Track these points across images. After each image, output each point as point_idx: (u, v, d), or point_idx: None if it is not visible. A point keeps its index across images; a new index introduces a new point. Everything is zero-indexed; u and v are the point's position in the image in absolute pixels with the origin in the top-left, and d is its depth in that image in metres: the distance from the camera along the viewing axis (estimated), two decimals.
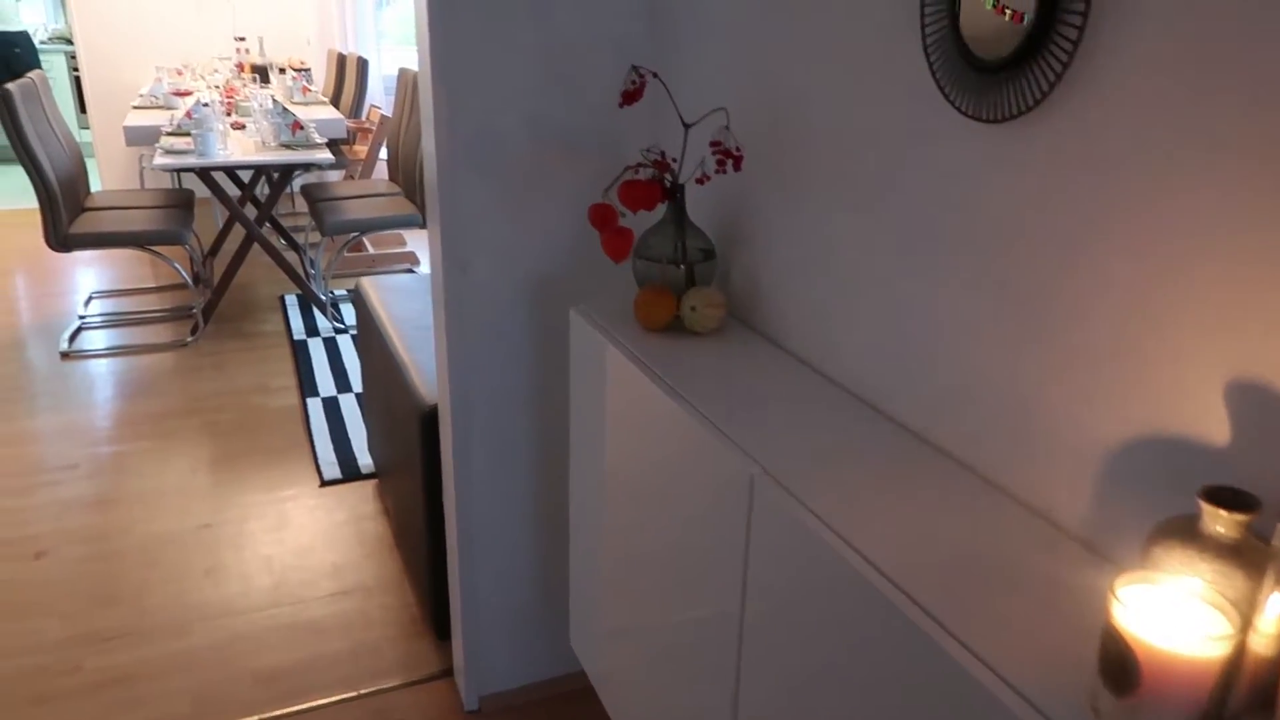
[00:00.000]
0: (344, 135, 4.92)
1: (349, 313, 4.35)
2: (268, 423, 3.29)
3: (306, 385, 3.57)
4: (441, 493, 2.02)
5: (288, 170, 3.98)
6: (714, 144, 1.33)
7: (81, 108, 6.20)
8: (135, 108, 5.05)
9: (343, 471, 2.95)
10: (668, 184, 1.43)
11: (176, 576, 2.43)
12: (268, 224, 4.62)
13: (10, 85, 3.52)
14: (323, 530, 2.65)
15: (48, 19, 8.00)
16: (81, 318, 4.21)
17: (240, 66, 6.19)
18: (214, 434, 3.19)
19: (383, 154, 4.99)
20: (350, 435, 3.19)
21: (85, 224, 3.81)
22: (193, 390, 3.53)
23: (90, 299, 4.48)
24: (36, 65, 7.30)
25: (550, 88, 1.67)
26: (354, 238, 4.14)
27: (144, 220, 3.88)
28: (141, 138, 4.53)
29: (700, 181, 1.39)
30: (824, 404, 1.23)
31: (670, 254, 1.49)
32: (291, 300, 4.51)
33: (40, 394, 3.47)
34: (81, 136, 7.60)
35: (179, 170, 3.75)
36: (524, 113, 1.67)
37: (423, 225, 4.16)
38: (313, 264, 4.87)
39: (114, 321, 4.20)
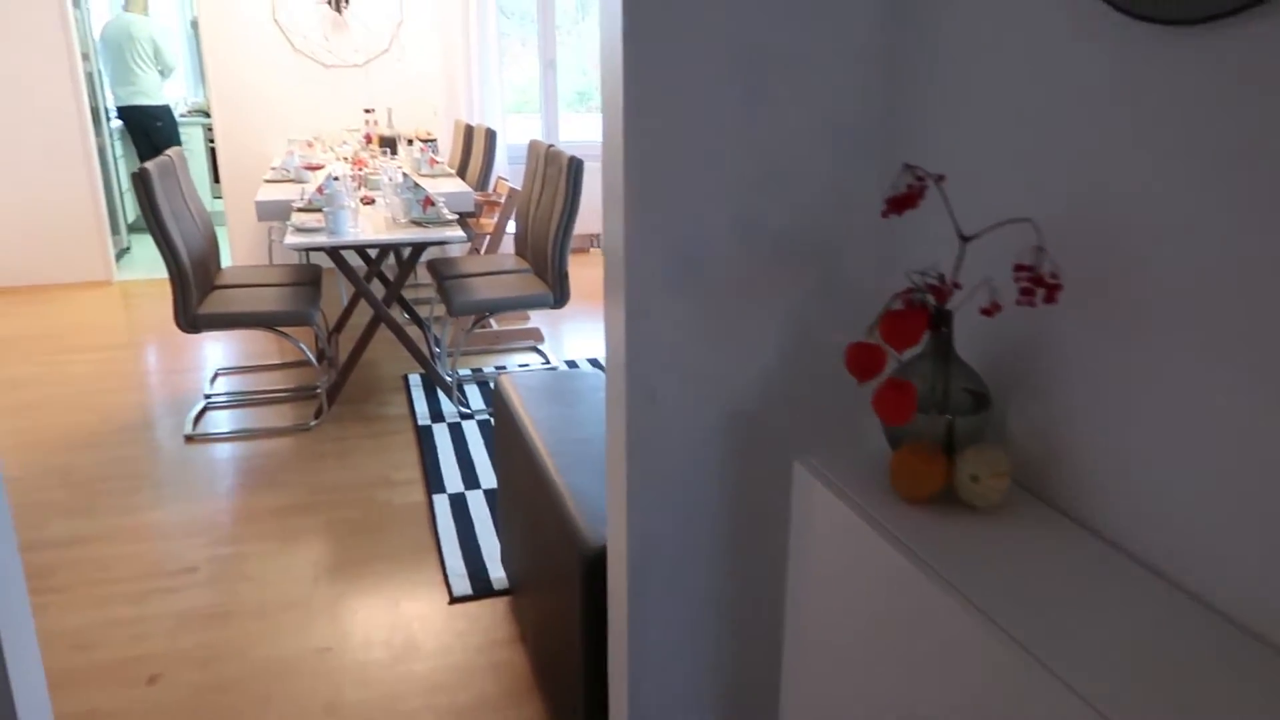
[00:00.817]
0: (472, 209, 4.78)
1: (474, 395, 4.14)
2: (392, 522, 3.05)
3: (432, 478, 3.34)
4: (602, 647, 1.71)
5: (418, 249, 3.81)
6: (1021, 268, 1.01)
7: (216, 178, 6.30)
8: (267, 181, 5.02)
9: (473, 586, 2.67)
10: (933, 310, 1.11)
11: (295, 713, 2.17)
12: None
13: (149, 165, 3.46)
14: (454, 661, 2.36)
15: (188, 92, 8.26)
16: (207, 397, 4.11)
17: (368, 138, 6.18)
18: (336, 534, 2.97)
19: (510, 227, 4.82)
20: (480, 541, 2.92)
21: (214, 303, 3.71)
22: (315, 481, 3.33)
23: (216, 376, 4.40)
24: (177, 138, 7.51)
25: (764, 185, 1.37)
26: (481, 318, 3.93)
27: (272, 300, 3.76)
28: (272, 212, 4.47)
29: (988, 313, 1.06)
30: (1163, 614, 0.86)
31: (930, 397, 1.16)
32: (415, 380, 4.33)
33: (163, 482, 3.33)
34: (215, 206, 7.76)
35: (310, 249, 3.62)
36: (733, 215, 1.37)
37: (554, 305, 3.93)
38: (437, 341, 4.71)
39: (239, 401, 4.08)
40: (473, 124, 6.18)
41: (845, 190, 1.41)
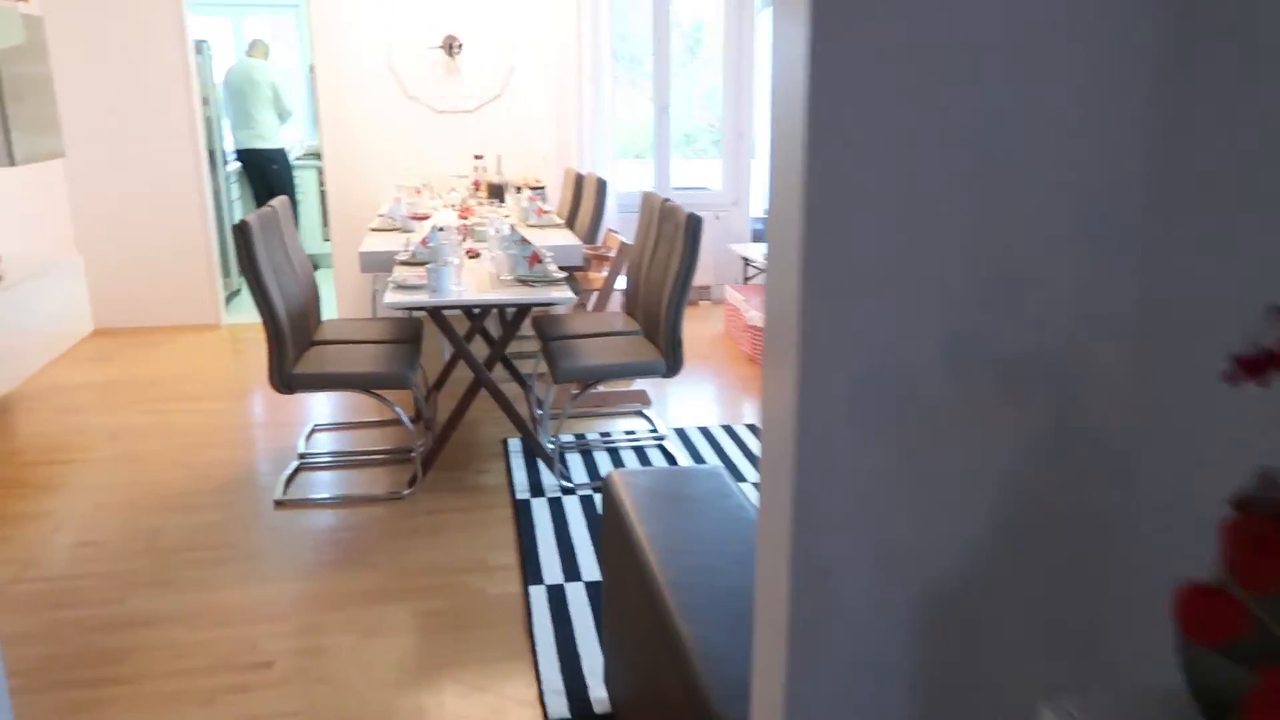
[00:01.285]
0: (581, 263, 4.53)
1: (576, 466, 3.85)
2: (484, 617, 2.77)
3: (529, 565, 3.05)
4: None
5: (523, 310, 3.57)
6: None
7: (327, 220, 6.30)
8: (373, 230, 4.89)
9: (571, 707, 2.35)
10: None
11: None
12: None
13: (250, 218, 3.31)
14: None
15: (305, 136, 8.36)
16: (302, 456, 3.93)
17: (476, 184, 6.04)
18: (424, 629, 2.70)
19: (620, 282, 4.55)
20: (580, 648, 2.60)
21: (311, 362, 3.53)
22: (405, 561, 3.08)
23: (313, 432, 4.23)
24: (291, 181, 7.57)
25: (990, 290, 1.03)
26: (588, 385, 3.65)
27: (369, 359, 3.56)
28: (376, 264, 4.31)
29: None
30: None
31: None
32: (515, 445, 4.07)
33: (249, 554, 3.13)
34: (325, 248, 7.77)
35: (411, 309, 3.40)
36: (945, 329, 1.03)
37: (666, 374, 3.62)
38: (539, 403, 4.45)
39: (333, 462, 3.89)
40: (582, 171, 5.97)
41: (1097, 301, 1.05)
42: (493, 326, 4.70)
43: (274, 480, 3.70)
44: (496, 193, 5.78)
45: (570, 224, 5.39)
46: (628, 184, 6.34)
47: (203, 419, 4.41)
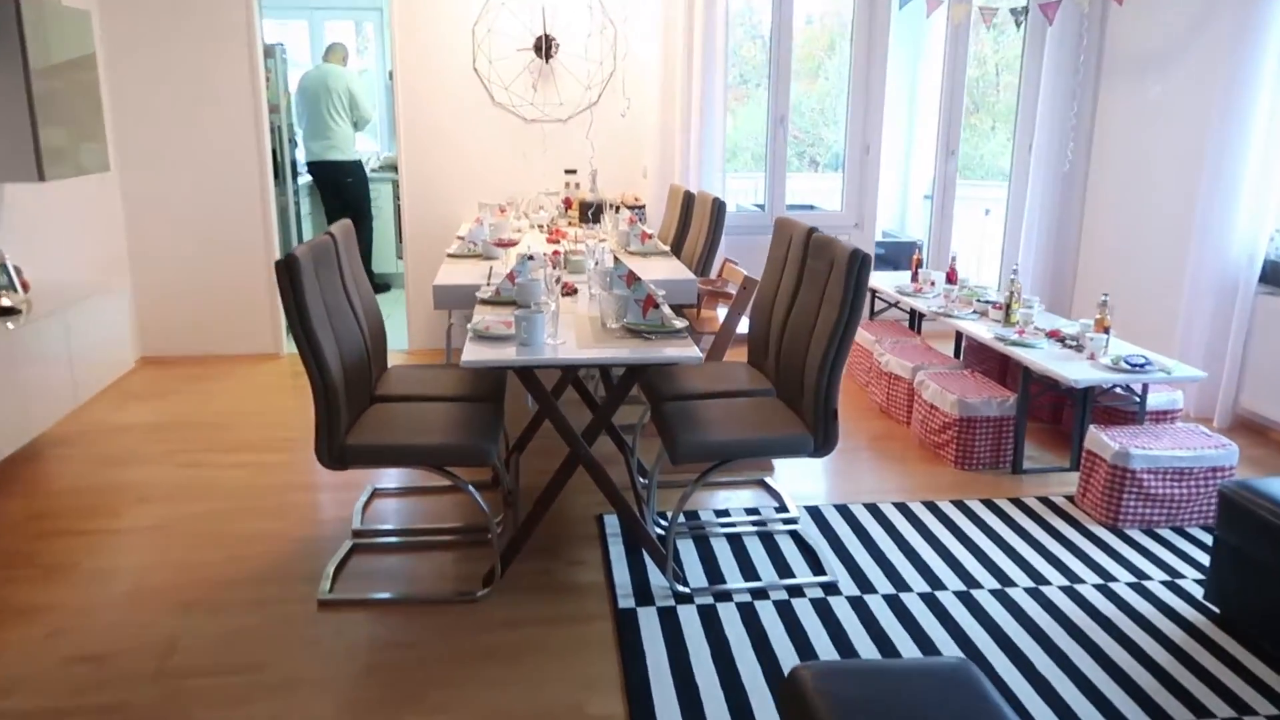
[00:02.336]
0: (694, 301, 3.78)
1: (690, 560, 3.08)
2: None
3: (637, 712, 2.29)
4: None
5: (636, 371, 2.82)
6: None
7: (401, 236, 5.68)
8: (450, 255, 4.21)
9: None
10: None
11: None
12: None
13: (300, 251, 2.63)
14: None
15: (381, 146, 7.79)
16: (357, 534, 3.25)
17: (568, 202, 5.34)
18: None
19: (741, 324, 3.77)
20: None
21: (370, 428, 2.83)
22: (478, 703, 2.34)
23: (372, 498, 3.55)
24: (367, 195, 7.00)
25: None
26: (713, 467, 2.87)
27: (442, 425, 2.84)
28: (452, 300, 3.62)
29: None
30: None
31: None
32: (613, 524, 3.32)
33: (278, 685, 2.43)
34: (399, 268, 7.17)
35: (495, 367, 2.69)
36: None
37: (814, 453, 2.83)
38: (643, 471, 3.70)
39: (395, 544, 3.19)
40: (689, 188, 5.22)
41: None
42: (590, 383, 3.97)
43: (321, 564, 3.02)
44: (591, 212, 5.07)
45: (676, 250, 4.64)
46: (732, 201, 5.55)
47: (249, 476, 3.77)
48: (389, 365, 3.56)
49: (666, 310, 2.96)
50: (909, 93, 7.52)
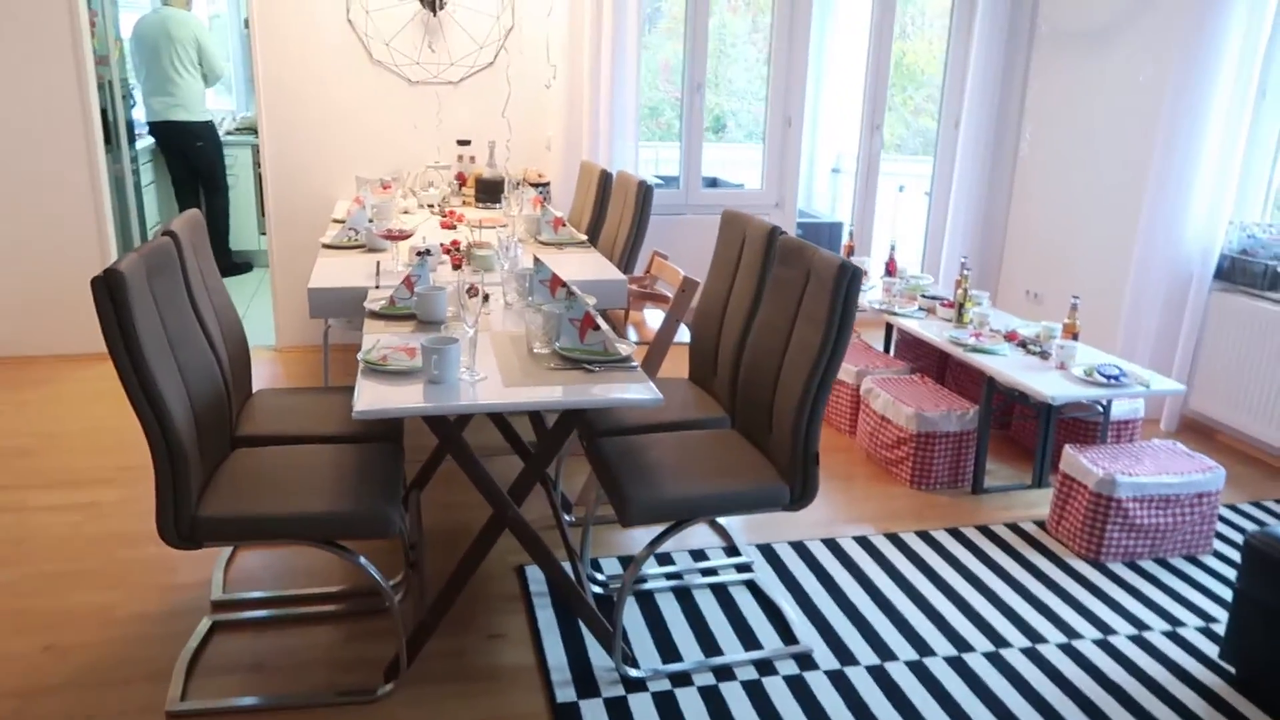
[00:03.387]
0: (623, 304, 3.24)
1: (634, 621, 2.57)
2: None
3: None
4: None
5: (576, 414, 2.26)
6: None
7: (263, 209, 4.86)
8: (326, 246, 3.52)
9: None
10: None
11: None
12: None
13: (126, 265, 1.95)
14: None
15: (237, 106, 6.86)
16: (215, 605, 2.59)
17: (461, 178, 4.68)
18: None
19: (681, 332, 3.24)
20: None
21: (229, 489, 2.19)
22: None
23: (236, 550, 2.89)
24: (220, 161, 6.10)
25: None
26: (672, 528, 2.35)
27: (325, 481, 2.22)
28: (332, 307, 2.96)
29: None
30: None
31: None
32: (536, 577, 2.78)
33: None
34: (261, 244, 6.34)
35: (400, 416, 2.08)
36: None
37: (790, 505, 2.35)
38: (567, 508, 3.17)
39: (267, 618, 2.56)
40: (600, 163, 4.64)
41: None
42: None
43: (170, 654, 2.37)
44: (489, 191, 4.43)
45: (592, 239, 4.07)
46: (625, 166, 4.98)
47: (74, 523, 3.03)
48: (253, 390, 2.88)
49: (608, 331, 2.41)
50: (815, 57, 7.10)
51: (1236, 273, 3.94)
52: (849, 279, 2.21)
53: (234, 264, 6.29)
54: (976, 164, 5.19)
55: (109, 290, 1.89)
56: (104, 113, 4.75)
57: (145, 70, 5.74)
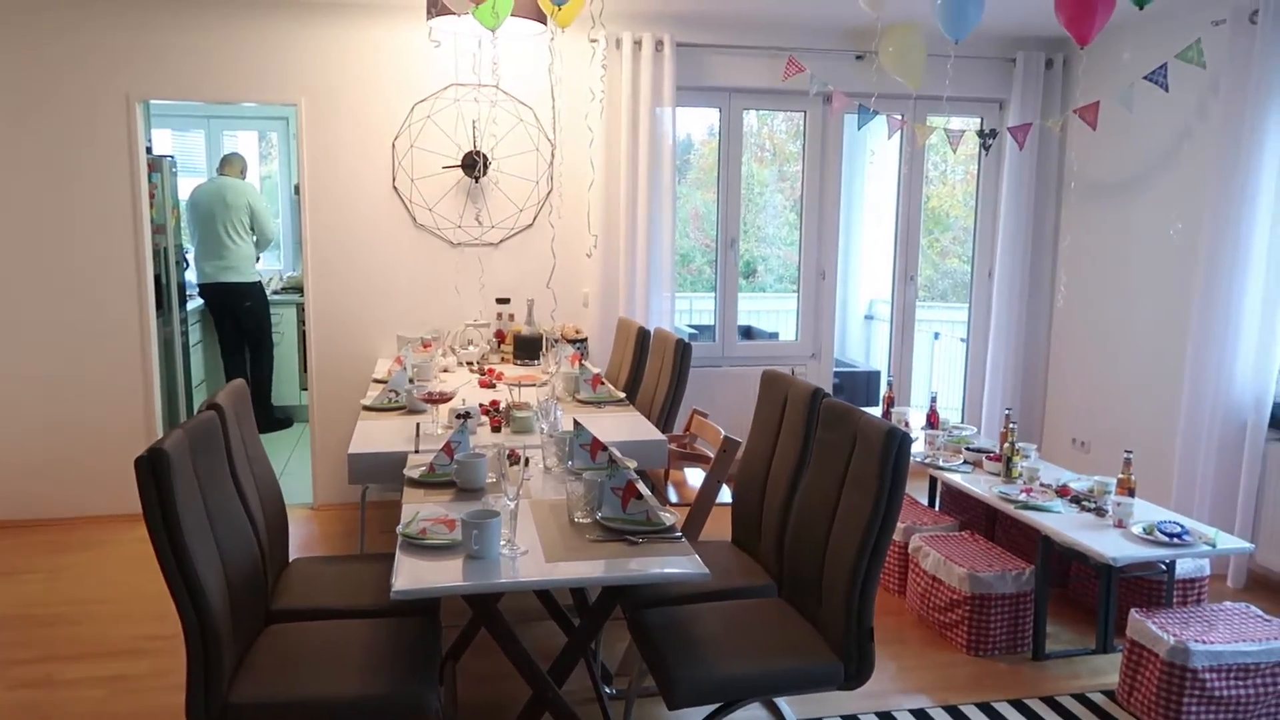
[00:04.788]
0: (663, 464, 3.19)
1: None
2: None
3: None
4: None
5: (621, 589, 2.19)
6: None
7: (306, 365, 4.94)
8: (366, 408, 3.54)
9: None
10: None
11: None
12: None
13: (174, 441, 1.96)
14: None
15: (283, 266, 7.10)
16: None
17: (500, 336, 4.75)
18: None
19: (723, 493, 3.18)
20: None
21: (261, 672, 2.12)
22: None
23: None
24: (267, 320, 6.27)
25: None
26: (720, 709, 2.24)
27: (360, 661, 2.15)
28: (372, 472, 2.94)
29: None
30: None
31: None
32: None
33: None
34: (302, 399, 6.42)
35: (439, 596, 2.03)
36: None
37: (844, 685, 2.23)
38: (609, 681, 3.03)
39: None
40: (635, 317, 4.70)
41: None
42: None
43: None
44: (528, 348, 4.48)
45: (630, 395, 4.07)
46: (668, 322, 5.03)
47: (102, 699, 2.95)
48: (290, 557, 2.84)
49: (651, 499, 2.36)
50: (844, 201, 7.27)
51: None
52: (898, 445, 2.16)
53: (275, 419, 6.36)
54: (1013, 313, 5.19)
55: (153, 470, 1.89)
56: (157, 278, 4.93)
57: (199, 235, 5.98)
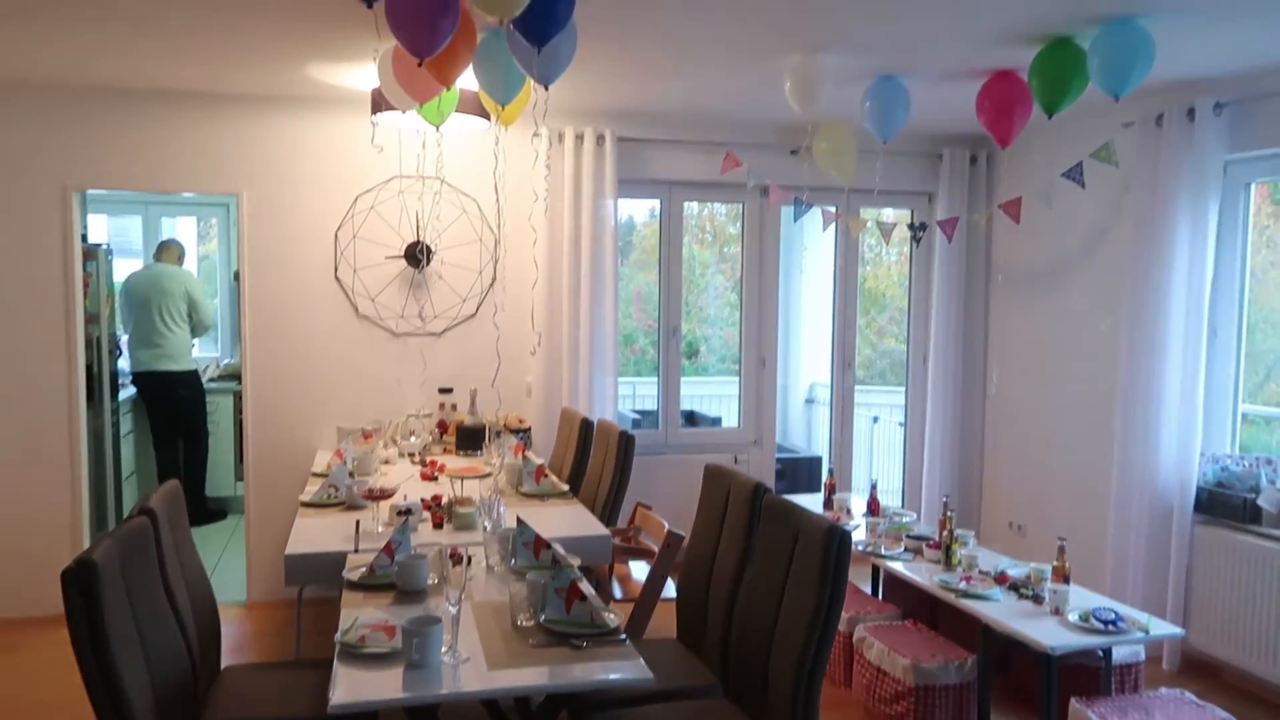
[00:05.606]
0: (608, 558, 3.18)
1: None
2: None
3: None
4: None
5: (563, 698, 2.16)
6: None
7: (242, 455, 4.82)
8: (304, 504, 3.47)
9: None
10: None
11: None
12: None
13: (103, 551, 1.91)
14: None
15: (221, 353, 6.99)
16: None
17: (443, 426, 4.72)
18: None
19: (667, 588, 3.17)
20: None
21: None
22: None
23: None
24: (202, 409, 6.13)
25: None
26: None
27: None
28: (309, 573, 2.88)
29: None
30: None
31: None
32: None
33: None
34: (237, 489, 6.26)
35: (374, 710, 1.97)
36: None
37: None
38: None
39: None
40: (578, 406, 4.72)
41: None
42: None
43: None
44: (471, 439, 4.46)
45: (574, 487, 4.05)
46: (610, 408, 5.04)
47: None
48: (222, 664, 2.74)
49: (594, 600, 2.34)
50: (784, 290, 7.43)
51: (1216, 505, 3.96)
52: (839, 544, 2.19)
53: (208, 511, 6.18)
54: (948, 398, 5.32)
55: (80, 584, 1.83)
56: (89, 368, 4.82)
57: (134, 323, 5.87)
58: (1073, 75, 3.33)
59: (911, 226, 5.12)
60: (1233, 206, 4.06)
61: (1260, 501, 3.82)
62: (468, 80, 3.23)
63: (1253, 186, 4.08)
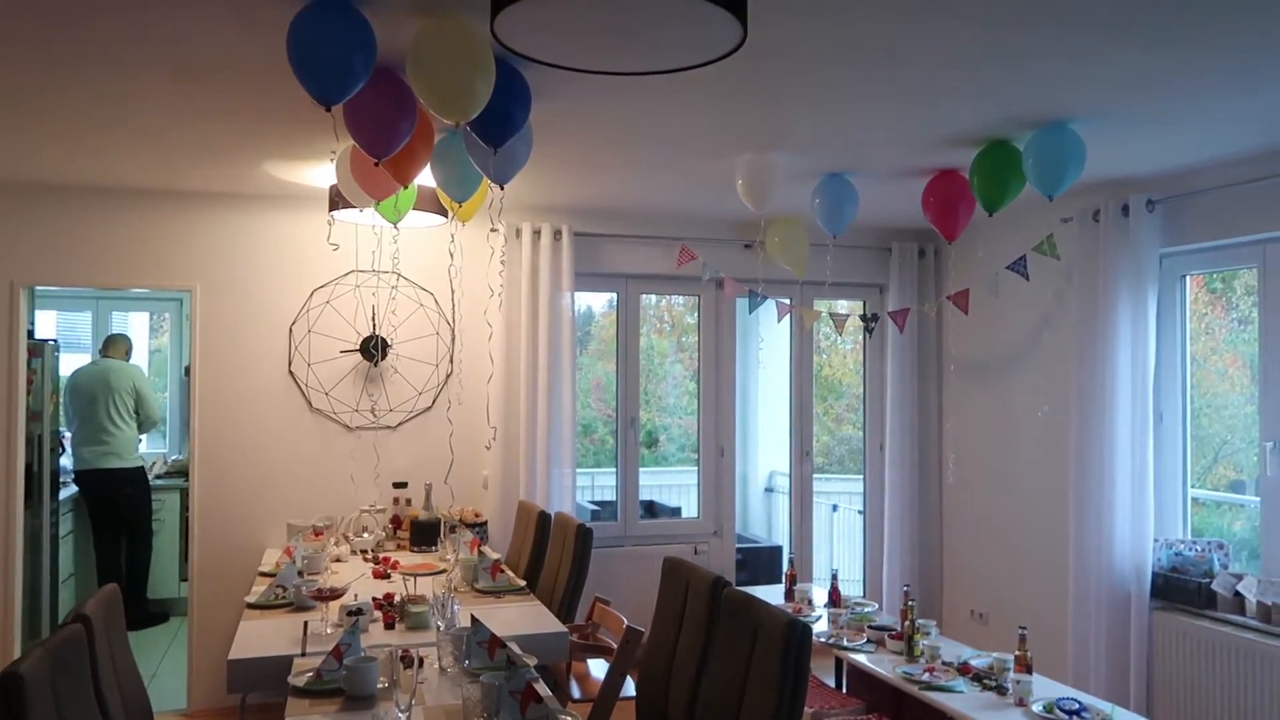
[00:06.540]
0: (565, 656, 3.10)
1: None
2: None
3: None
4: None
5: None
6: None
7: (186, 553, 4.63)
8: (251, 606, 3.36)
9: None
10: None
11: None
12: None
13: (31, 664, 1.81)
14: None
15: (168, 449, 6.83)
16: None
17: (396, 522, 4.62)
18: None
19: (628, 685, 3.08)
20: None
21: None
22: None
23: None
24: (147, 507, 5.96)
25: None
26: None
27: None
28: (254, 680, 2.77)
29: None
30: None
31: None
32: None
33: None
34: (181, 590, 6.04)
35: None
36: None
37: None
38: None
39: None
40: (534, 498, 4.66)
41: None
42: None
43: None
44: (425, 534, 4.37)
45: (531, 582, 3.97)
46: (568, 500, 4.98)
47: None
48: None
49: (551, 700, 2.27)
50: (741, 380, 7.49)
51: (1172, 590, 3.99)
52: (799, 638, 2.16)
53: (150, 614, 5.94)
54: (905, 486, 5.35)
55: (5, 698, 1.74)
56: (29, 467, 4.67)
57: (80, 419, 5.74)
58: (1010, 175, 3.47)
59: (864, 317, 5.22)
60: (1170, 296, 4.20)
61: (1214, 586, 3.85)
62: (425, 178, 3.28)
63: (1188, 278, 4.24)
